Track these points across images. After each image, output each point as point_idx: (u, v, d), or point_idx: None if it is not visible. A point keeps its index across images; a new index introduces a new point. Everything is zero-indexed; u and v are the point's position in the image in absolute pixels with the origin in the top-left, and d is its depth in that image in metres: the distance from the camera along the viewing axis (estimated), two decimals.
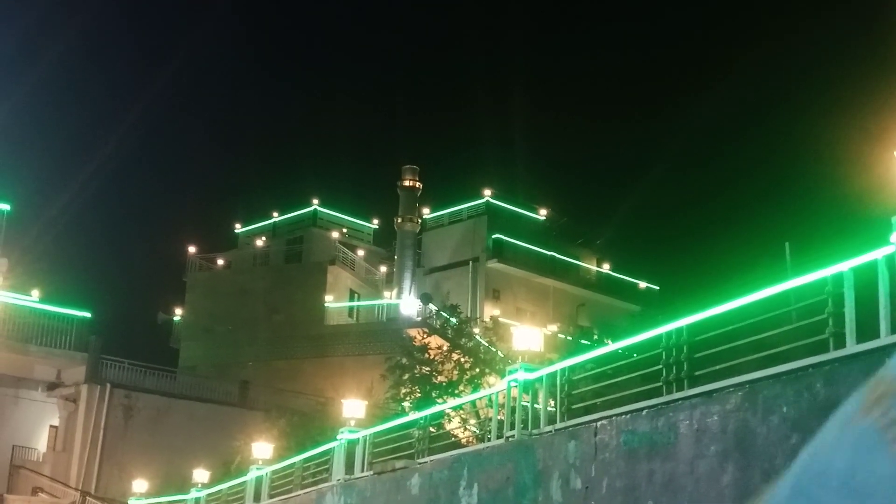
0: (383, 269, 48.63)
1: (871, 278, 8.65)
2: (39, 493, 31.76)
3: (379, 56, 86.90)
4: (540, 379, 13.21)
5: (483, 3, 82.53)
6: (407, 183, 45.61)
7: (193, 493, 25.60)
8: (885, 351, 8.18)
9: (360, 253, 48.13)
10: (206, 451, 30.11)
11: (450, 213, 47.83)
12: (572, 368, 13.27)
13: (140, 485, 28.92)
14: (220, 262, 48.12)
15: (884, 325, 8.36)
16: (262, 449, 23.09)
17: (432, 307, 40.48)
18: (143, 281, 69.02)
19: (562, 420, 12.48)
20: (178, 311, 47.06)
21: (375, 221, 51.26)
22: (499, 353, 31.48)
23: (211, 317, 43.88)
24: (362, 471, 17.59)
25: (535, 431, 12.76)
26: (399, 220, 45.28)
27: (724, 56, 75.19)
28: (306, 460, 20.50)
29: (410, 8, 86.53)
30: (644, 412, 10.48)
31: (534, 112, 78.16)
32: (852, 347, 8.52)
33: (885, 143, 10.09)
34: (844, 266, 8.96)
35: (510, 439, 13.18)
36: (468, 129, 77.44)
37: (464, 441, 20.68)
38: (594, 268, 49.34)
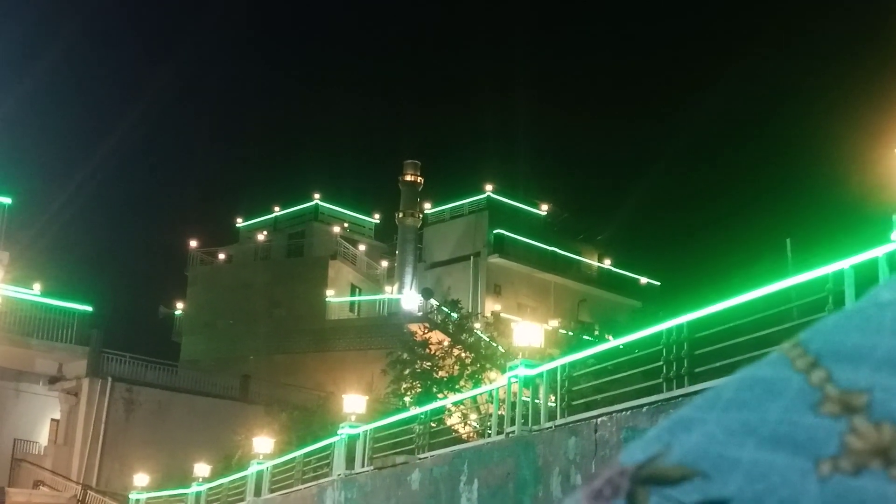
0: (384, 263, 48.59)
1: (871, 276, 8.65)
2: (41, 487, 31.79)
3: (382, 50, 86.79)
4: (540, 375, 13.22)
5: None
6: (408, 178, 45.57)
7: (194, 488, 25.64)
8: None
9: (362, 248, 48.11)
10: (207, 445, 30.15)
11: (451, 207, 47.75)
12: (573, 364, 13.28)
13: (141, 479, 28.95)
14: (222, 256, 48.10)
15: None
16: (262, 443, 23.11)
17: (433, 302, 40.47)
18: (145, 275, 69.21)
19: (562, 416, 12.49)
20: (180, 305, 47.05)
21: (377, 216, 51.20)
22: (500, 348, 31.47)
23: (212, 311, 43.89)
24: (363, 466, 17.61)
25: (535, 427, 12.77)
26: (400, 215, 45.24)
27: (728, 55, 75.17)
28: (307, 455, 20.52)
29: (414, 2, 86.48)
30: (644, 409, 10.48)
31: (536, 108, 78.10)
32: None
33: (886, 142, 10.09)
34: (845, 263, 8.96)
35: (510, 435, 13.19)
36: (470, 124, 77.46)
37: (464, 436, 20.69)
38: (595, 263, 49.28)
